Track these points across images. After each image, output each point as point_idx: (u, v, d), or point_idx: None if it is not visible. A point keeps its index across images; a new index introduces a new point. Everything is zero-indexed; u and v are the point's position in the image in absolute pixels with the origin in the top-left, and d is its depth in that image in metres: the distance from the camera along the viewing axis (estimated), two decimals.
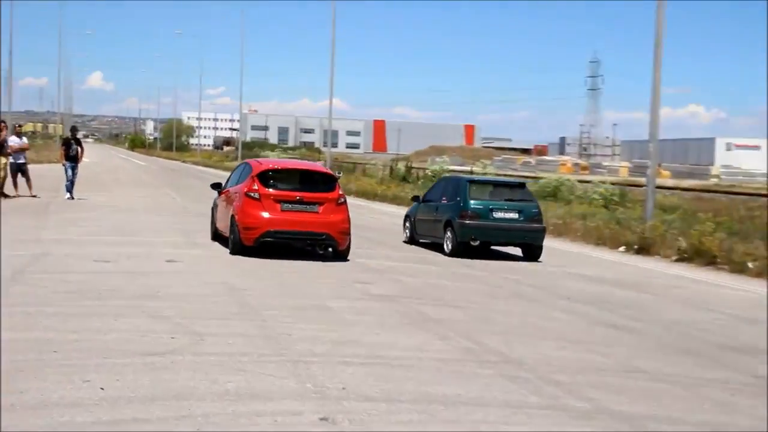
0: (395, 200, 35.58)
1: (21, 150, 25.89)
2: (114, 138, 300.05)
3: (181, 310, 8.91)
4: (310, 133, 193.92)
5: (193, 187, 39.15)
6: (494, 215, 17.02)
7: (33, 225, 17.13)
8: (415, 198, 20.11)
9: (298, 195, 14.66)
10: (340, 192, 15.15)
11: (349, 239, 15.04)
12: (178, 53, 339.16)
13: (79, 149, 26.22)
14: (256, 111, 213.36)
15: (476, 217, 16.92)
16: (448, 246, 17.11)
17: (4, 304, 8.52)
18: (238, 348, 7.39)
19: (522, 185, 18.62)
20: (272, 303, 9.80)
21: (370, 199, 37.81)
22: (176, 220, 20.24)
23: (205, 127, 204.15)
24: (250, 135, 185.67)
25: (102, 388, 5.87)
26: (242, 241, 14.48)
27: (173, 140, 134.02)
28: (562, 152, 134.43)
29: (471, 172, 40.38)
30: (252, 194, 14.68)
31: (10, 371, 6.15)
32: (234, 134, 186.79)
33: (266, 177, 14.92)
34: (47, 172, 41.25)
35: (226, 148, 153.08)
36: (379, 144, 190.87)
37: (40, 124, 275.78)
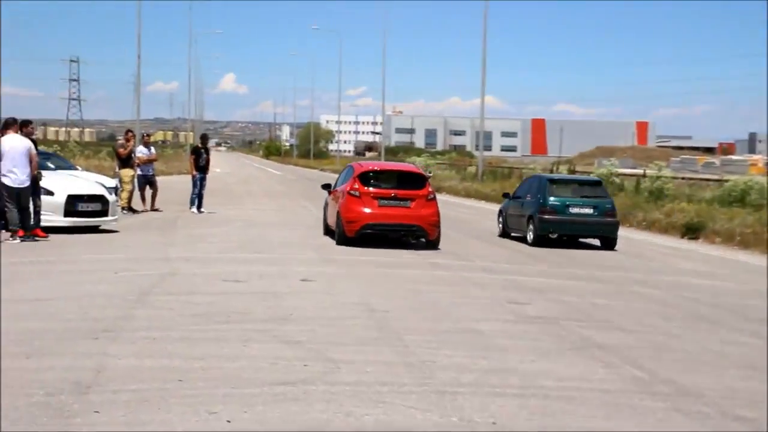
0: None
1: (149, 161, 26.98)
2: (248, 145, 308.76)
3: (315, 335, 9.06)
4: (460, 135, 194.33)
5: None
6: (570, 210, 21.10)
7: (160, 241, 17.80)
8: (506, 195, 24.66)
9: (393, 192, 18.88)
10: (430, 189, 19.22)
11: (439, 230, 19.02)
12: (316, 52, 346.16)
13: (207, 159, 27.09)
14: (400, 112, 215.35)
15: (554, 212, 21.05)
16: (530, 238, 21.27)
17: (124, 328, 8.88)
18: (376, 377, 7.45)
19: (599, 182, 22.89)
20: (415, 326, 9.85)
21: None
22: (312, 234, 20.61)
23: (345, 132, 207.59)
24: (395, 139, 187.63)
25: (229, 421, 6.03)
26: (346, 233, 18.60)
27: (311, 146, 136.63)
28: (752, 150, 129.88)
29: (643, 175, 39.54)
30: (354, 192, 18.91)
31: (133, 401, 6.39)
32: (377, 138, 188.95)
33: (366, 177, 19.25)
34: (176, 184, 42.79)
35: (368, 154, 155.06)
36: (539, 146, 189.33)
37: (170, 133, 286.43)
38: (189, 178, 27.75)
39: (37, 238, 16.73)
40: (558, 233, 21.20)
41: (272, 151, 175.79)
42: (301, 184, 54.81)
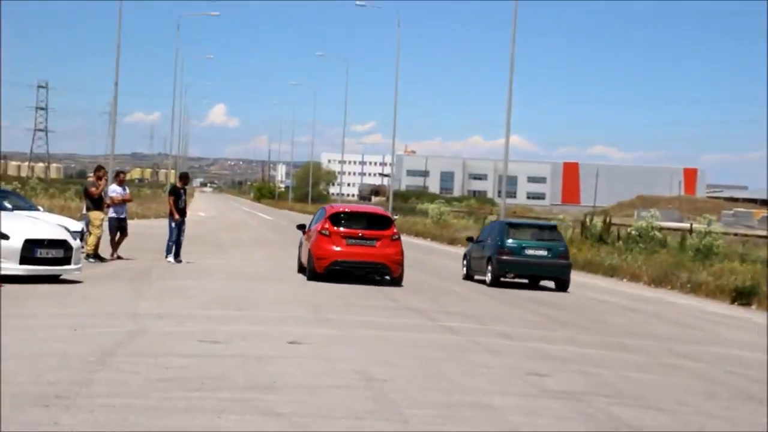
0: (588, 267, 35.16)
1: (123, 202, 27.07)
2: (237, 186, 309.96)
3: (302, 406, 9.00)
4: (481, 179, 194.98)
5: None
6: (526, 252, 25.87)
7: (130, 294, 17.80)
8: (469, 239, 30.26)
9: (360, 232, 23.73)
10: (395, 230, 24.38)
11: (402, 269, 23.84)
12: (319, 82, 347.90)
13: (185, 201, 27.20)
14: (413, 152, 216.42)
15: (511, 254, 25.78)
16: (488, 279, 25.99)
17: (80, 394, 8.84)
18: None
19: (553, 227, 28.93)
20: (418, 398, 9.79)
21: None
22: (305, 291, 20.63)
23: (349, 173, 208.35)
24: (406, 182, 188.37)
25: None
26: (316, 269, 23.38)
27: (309, 189, 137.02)
28: None
29: (690, 230, 39.57)
30: (324, 232, 23.66)
31: None
32: (385, 181, 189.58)
33: (337, 218, 24.16)
34: (154, 229, 42.89)
35: (374, 199, 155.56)
36: (571, 193, 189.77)
37: (148, 170, 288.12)
38: (166, 222, 27.82)
39: None
40: (514, 274, 26.17)
41: (265, 193, 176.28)
42: (295, 232, 54.77)
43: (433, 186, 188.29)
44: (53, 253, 18.80)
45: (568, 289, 25.81)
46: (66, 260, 18.98)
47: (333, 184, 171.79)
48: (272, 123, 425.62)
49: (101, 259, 24.84)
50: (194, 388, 9.56)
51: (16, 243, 18.30)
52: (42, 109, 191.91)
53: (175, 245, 26.34)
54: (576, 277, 32.26)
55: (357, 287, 22.39)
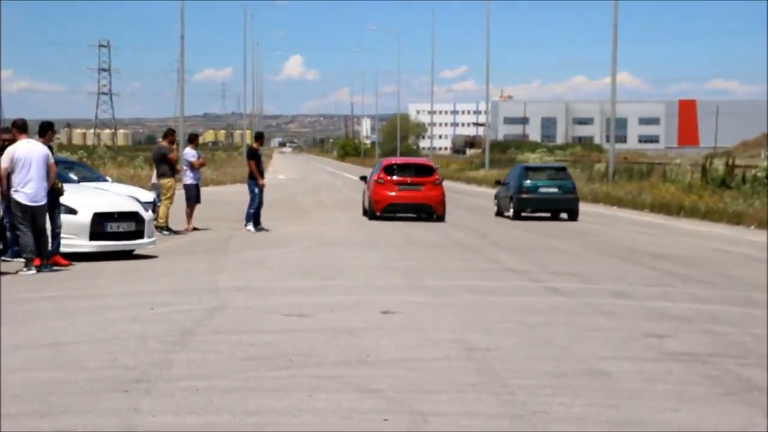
0: (709, 215, 34.77)
1: (200, 167, 27.43)
2: (319, 144, 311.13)
3: (398, 381, 9.09)
4: (586, 124, 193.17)
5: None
6: (540, 190, 34.33)
7: (208, 268, 18.05)
8: (498, 182, 38.85)
9: (409, 179, 31.99)
10: (437, 177, 32.48)
11: (444, 208, 31.89)
12: (403, 26, 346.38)
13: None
14: (510, 97, 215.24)
15: (528, 192, 34.14)
16: (511, 213, 34.29)
17: (161, 377, 9.03)
18: None
19: (563, 168, 38.19)
20: (524, 368, 9.82)
21: (673, 215, 37.15)
22: (397, 255, 20.71)
23: (440, 124, 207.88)
24: (503, 131, 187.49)
25: None
26: (375, 210, 31.70)
27: (397, 144, 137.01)
28: None
29: None
30: (380, 180, 31.98)
31: None
32: (480, 131, 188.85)
33: (390, 169, 32.62)
34: (230, 196, 43.35)
35: (469, 152, 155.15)
36: (688, 134, 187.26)
37: (222, 132, 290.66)
38: (245, 188, 28.09)
39: (56, 267, 17.10)
40: (531, 208, 34.68)
41: (349, 150, 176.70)
42: None
43: (534, 134, 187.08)
44: (124, 226, 19.06)
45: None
46: (138, 234, 19.24)
47: (423, 137, 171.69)
48: (354, 74, 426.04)
49: (174, 232, 25.14)
50: (281, 366, 9.69)
51: (84, 218, 18.59)
52: (105, 70, 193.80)
53: (255, 213, 26.56)
54: (697, 226, 32.06)
55: (452, 251, 22.44)
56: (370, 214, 32.23)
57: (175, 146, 26.55)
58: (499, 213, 35.84)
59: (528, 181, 34.31)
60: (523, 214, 34.36)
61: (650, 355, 10.67)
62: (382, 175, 32.23)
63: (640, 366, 10.07)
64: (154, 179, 26.59)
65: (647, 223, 34.06)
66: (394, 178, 32.14)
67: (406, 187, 31.96)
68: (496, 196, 37.09)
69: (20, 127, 17.14)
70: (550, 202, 34.77)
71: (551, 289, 16.03)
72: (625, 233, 28.83)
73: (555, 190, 34.58)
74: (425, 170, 33.05)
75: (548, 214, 35.05)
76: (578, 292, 15.61)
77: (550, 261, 20.35)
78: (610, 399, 8.62)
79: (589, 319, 13.09)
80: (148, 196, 25.69)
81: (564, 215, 34.76)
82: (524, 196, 34.15)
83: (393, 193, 31.84)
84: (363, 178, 35.90)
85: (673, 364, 10.20)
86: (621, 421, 7.91)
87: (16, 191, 16.61)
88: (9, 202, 16.75)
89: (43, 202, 16.86)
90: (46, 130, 17.70)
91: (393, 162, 34.36)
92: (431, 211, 31.90)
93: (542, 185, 34.49)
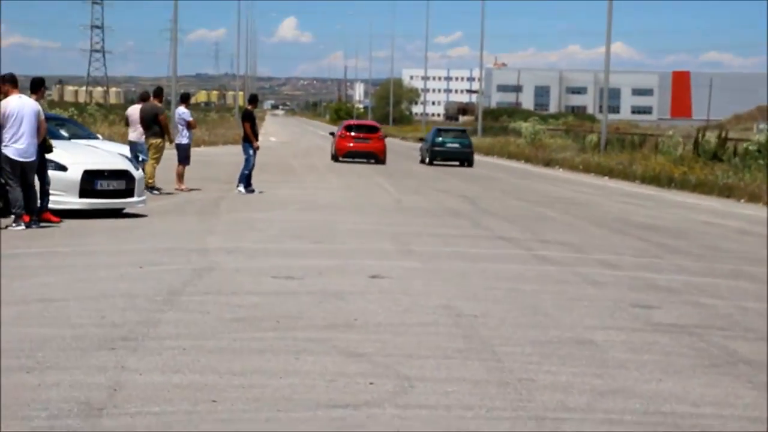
0: (700, 188, 34.84)
1: (192, 127, 27.39)
2: (312, 108, 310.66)
3: (385, 345, 9.11)
4: (579, 93, 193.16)
5: (414, 174, 39.91)
6: (447, 145, 49.68)
7: (198, 228, 18.05)
8: (421, 139, 58.46)
9: (361, 135, 48.62)
10: (381, 134, 49.52)
11: (385, 156, 48.07)
12: None
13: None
14: (504, 65, 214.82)
15: (439, 146, 49.63)
16: (426, 160, 49.82)
17: (148, 336, 9.04)
18: (459, 398, 7.48)
19: (464, 131, 55.53)
20: (512, 335, 9.85)
21: (664, 187, 37.21)
22: (387, 221, 20.73)
23: (433, 90, 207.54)
24: (496, 98, 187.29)
25: None
26: (337, 155, 47.83)
27: (390, 109, 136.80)
28: None
29: None
30: (342, 136, 48.66)
31: (157, 425, 6.51)
32: (473, 98, 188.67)
33: (349, 127, 50.15)
34: (221, 157, 43.30)
35: (462, 118, 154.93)
36: (681, 106, 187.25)
37: (215, 93, 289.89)
38: (238, 149, 28.04)
39: (45, 224, 17.07)
40: (440, 158, 49.37)
41: (342, 114, 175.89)
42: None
43: (527, 102, 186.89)
44: (115, 184, 19.04)
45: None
46: (129, 192, 19.22)
47: (416, 103, 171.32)
48: (348, 37, 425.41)
49: (158, 191, 25.02)
50: (269, 328, 9.71)
51: (74, 175, 18.55)
52: (98, 27, 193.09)
53: (247, 174, 26.52)
54: (687, 198, 32.15)
55: (443, 217, 22.47)
56: (334, 158, 48.32)
57: (158, 102, 26.42)
58: (422, 161, 50.97)
59: (439, 138, 50.34)
60: (435, 162, 49.33)
61: (637, 326, 10.71)
62: (343, 132, 49.14)
63: (627, 336, 10.11)
64: (135, 137, 26.12)
65: (638, 194, 34.10)
66: (352, 134, 48.83)
67: (359, 141, 48.19)
68: (420, 150, 53.24)
69: (11, 82, 17.06)
70: (453, 153, 49.98)
71: (540, 257, 16.06)
72: (616, 204, 28.88)
73: (457, 145, 50.17)
74: (373, 129, 50.82)
75: (456, 162, 49.64)
76: (567, 261, 15.64)
77: (540, 229, 20.38)
78: (596, 368, 8.65)
79: (578, 288, 13.12)
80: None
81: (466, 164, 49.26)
82: (436, 149, 49.80)
83: (351, 144, 48.04)
84: (332, 134, 52.95)
85: (659, 335, 10.24)
86: (606, 390, 7.94)
87: (6, 146, 16.54)
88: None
89: (33, 158, 16.79)
90: (38, 87, 17.62)
91: (351, 123, 53.54)
92: (376, 157, 47.74)
93: (449, 142, 50.32)
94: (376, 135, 48.86)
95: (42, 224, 16.96)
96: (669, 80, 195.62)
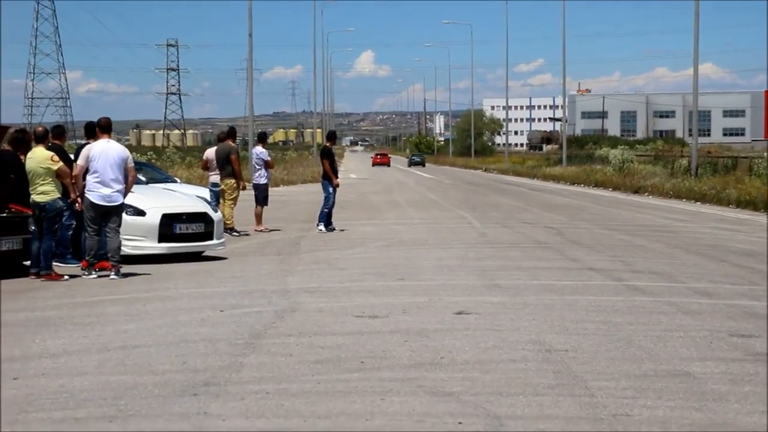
0: None
1: (270, 166, 27.57)
2: (391, 142, 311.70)
3: (473, 384, 9.07)
4: (667, 117, 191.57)
5: (499, 207, 39.78)
6: (414, 159, 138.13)
7: (278, 269, 18.13)
8: (409, 157, 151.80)
9: (379, 158, 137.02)
10: (389, 157, 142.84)
11: (390, 164, 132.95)
12: (476, 19, 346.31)
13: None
14: (588, 91, 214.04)
15: (412, 159, 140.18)
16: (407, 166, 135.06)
17: (230, 381, 9.08)
18: None
19: (422, 154, 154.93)
20: (604, 369, 9.76)
21: (760, 211, 36.72)
22: (472, 255, 20.66)
23: (516, 120, 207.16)
24: (581, 125, 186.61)
25: None
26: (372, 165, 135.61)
27: (471, 140, 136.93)
28: None
29: None
30: (372, 157, 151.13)
31: None
32: (557, 126, 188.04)
33: (375, 155, 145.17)
34: (301, 196, 43.56)
35: (546, 147, 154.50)
36: None
37: (292, 131, 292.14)
38: (316, 187, 28.15)
39: (101, 272, 16.87)
40: (413, 164, 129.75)
41: (422, 147, 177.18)
42: (458, 190, 54.95)
43: (613, 128, 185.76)
44: (193, 228, 19.23)
45: None
46: (207, 235, 19.40)
47: (499, 134, 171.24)
48: (426, 69, 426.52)
49: (238, 233, 25.15)
50: (353, 369, 9.72)
51: (153, 219, 18.75)
52: (173, 70, 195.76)
53: (327, 212, 26.70)
54: None
55: (529, 250, 22.35)
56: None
57: (231, 144, 26.52)
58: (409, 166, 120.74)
59: (413, 156, 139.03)
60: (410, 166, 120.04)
61: (736, 356, 10.55)
62: (372, 157, 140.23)
63: (726, 367, 9.96)
64: (216, 179, 26.23)
65: (732, 219, 33.67)
66: (378, 157, 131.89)
67: (379, 158, 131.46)
68: (408, 163, 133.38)
69: (101, 127, 17.14)
70: (416, 162, 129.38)
71: (632, 287, 15.90)
72: (709, 229, 28.54)
73: (419, 159, 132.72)
74: (385, 155, 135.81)
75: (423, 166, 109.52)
76: (660, 291, 15.48)
77: (630, 258, 20.20)
78: (695, 401, 8.54)
79: (672, 318, 12.96)
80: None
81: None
82: (412, 158, 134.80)
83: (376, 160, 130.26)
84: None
85: (760, 365, 10.08)
86: (706, 423, 7.84)
87: (89, 191, 16.61)
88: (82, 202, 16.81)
89: (119, 201, 16.77)
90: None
91: (377, 152, 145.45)
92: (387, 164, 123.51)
93: (416, 156, 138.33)
94: (387, 158, 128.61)
95: (100, 273, 16.84)
96: (761, 100, 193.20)
